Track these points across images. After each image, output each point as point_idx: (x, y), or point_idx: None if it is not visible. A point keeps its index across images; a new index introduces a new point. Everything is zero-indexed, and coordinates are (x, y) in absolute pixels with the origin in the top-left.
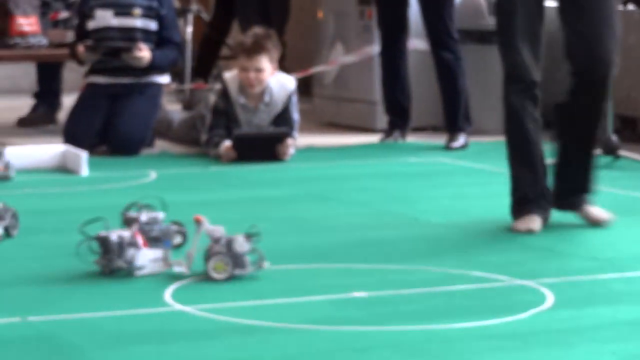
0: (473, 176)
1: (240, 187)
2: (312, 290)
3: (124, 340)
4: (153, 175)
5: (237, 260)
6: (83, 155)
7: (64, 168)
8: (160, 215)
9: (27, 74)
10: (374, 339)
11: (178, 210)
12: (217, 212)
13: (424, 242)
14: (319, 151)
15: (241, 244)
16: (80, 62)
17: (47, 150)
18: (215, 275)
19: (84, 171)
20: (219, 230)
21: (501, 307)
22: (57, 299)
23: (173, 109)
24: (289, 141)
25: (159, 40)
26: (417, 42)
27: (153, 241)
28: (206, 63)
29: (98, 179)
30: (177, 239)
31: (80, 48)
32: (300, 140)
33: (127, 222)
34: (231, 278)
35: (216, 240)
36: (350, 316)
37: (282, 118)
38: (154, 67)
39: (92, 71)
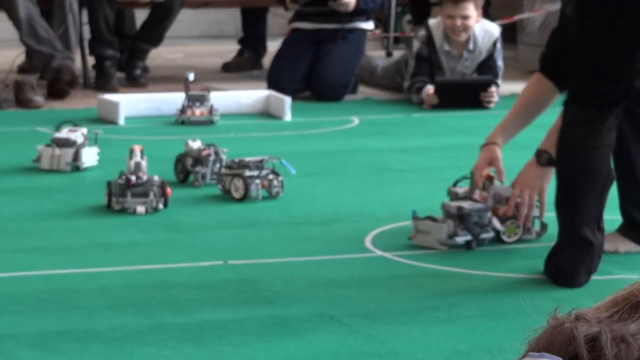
0: None
1: (442, 134)
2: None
3: (324, 285)
4: (356, 121)
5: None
6: (287, 100)
7: (267, 113)
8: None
9: (233, 19)
10: (578, 289)
11: (379, 156)
12: (418, 159)
13: None
14: None
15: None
16: (286, 8)
17: (251, 95)
18: (507, 239)
19: (287, 116)
20: (507, 190)
21: None
22: (257, 243)
23: (377, 55)
24: (493, 89)
25: None
26: None
27: None
28: (422, 8)
29: (301, 124)
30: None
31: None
32: (503, 87)
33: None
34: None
35: (500, 201)
36: None
37: (486, 65)
38: (360, 12)
39: (297, 17)
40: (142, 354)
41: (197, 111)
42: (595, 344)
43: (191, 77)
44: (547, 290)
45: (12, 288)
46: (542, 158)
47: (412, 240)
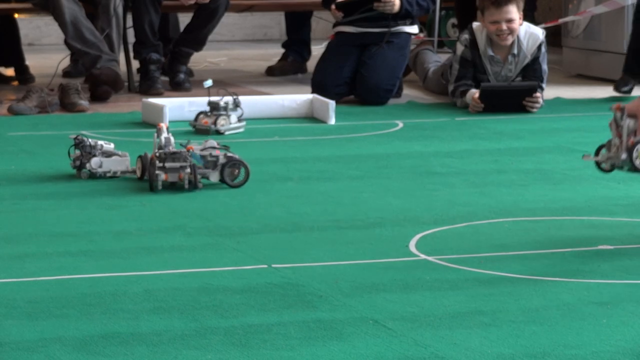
0: None
1: (486, 137)
2: (557, 242)
3: (368, 289)
4: (400, 124)
5: None
6: (331, 104)
7: (311, 116)
8: None
9: (277, 23)
10: (620, 292)
11: (424, 160)
12: (462, 162)
13: None
14: (567, 103)
15: None
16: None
17: (295, 98)
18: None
19: (332, 120)
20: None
21: None
22: (302, 247)
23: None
24: (538, 93)
25: None
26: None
27: None
28: (468, 12)
29: (345, 128)
30: None
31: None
32: (547, 91)
33: None
34: None
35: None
36: (596, 269)
37: (531, 69)
38: (405, 15)
39: (341, 21)
40: (187, 357)
41: (207, 120)
42: None
43: (207, 84)
44: (592, 294)
45: (57, 291)
46: None
47: None
